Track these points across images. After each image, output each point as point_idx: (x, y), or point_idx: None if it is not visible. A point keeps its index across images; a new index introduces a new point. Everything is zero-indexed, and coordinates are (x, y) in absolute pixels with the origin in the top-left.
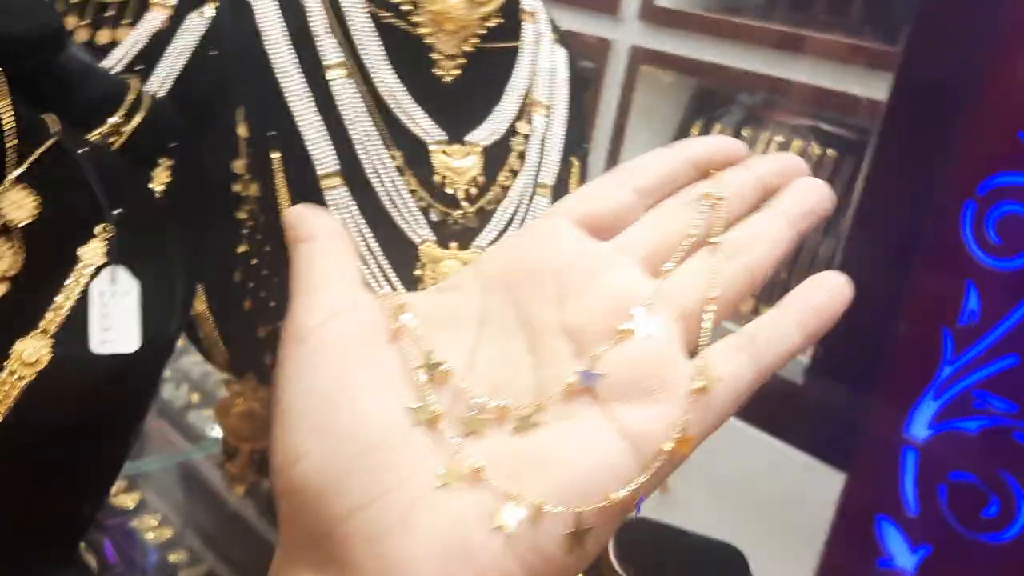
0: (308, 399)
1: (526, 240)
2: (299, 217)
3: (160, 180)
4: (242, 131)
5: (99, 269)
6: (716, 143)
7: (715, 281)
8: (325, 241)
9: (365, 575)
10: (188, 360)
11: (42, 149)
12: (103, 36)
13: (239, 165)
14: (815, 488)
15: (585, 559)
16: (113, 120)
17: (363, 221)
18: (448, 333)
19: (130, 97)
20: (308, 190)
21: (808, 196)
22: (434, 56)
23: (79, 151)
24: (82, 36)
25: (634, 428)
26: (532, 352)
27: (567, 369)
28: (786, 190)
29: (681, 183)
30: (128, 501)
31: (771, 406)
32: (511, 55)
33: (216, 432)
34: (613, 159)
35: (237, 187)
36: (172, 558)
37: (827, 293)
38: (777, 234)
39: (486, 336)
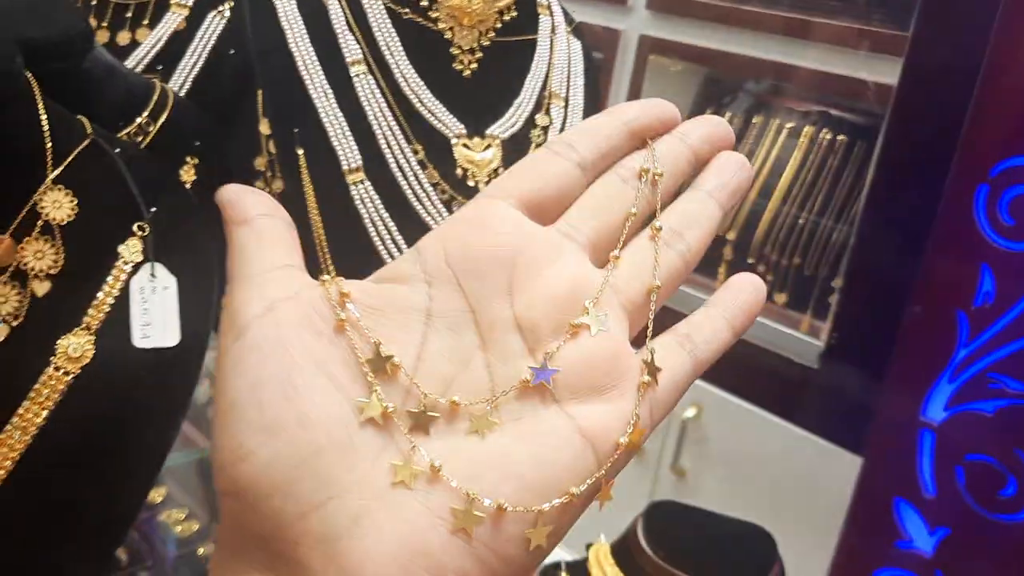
0: (251, 395)
1: (468, 227)
2: (233, 198)
3: (186, 178)
4: (263, 128)
5: (138, 266)
6: (649, 107)
7: (658, 272)
8: (262, 224)
9: None
10: (209, 356)
11: (78, 150)
12: (123, 37)
13: (260, 162)
14: (830, 472)
15: (542, 556)
16: (139, 120)
17: (387, 215)
18: (394, 325)
19: (155, 97)
20: (332, 185)
21: (734, 174)
22: (452, 51)
23: (114, 150)
24: (102, 38)
25: (590, 426)
26: (483, 348)
27: (520, 365)
28: (713, 168)
29: (619, 153)
30: (155, 495)
31: (786, 391)
32: (528, 48)
33: None
34: None
35: (259, 184)
36: (201, 551)
37: (750, 293)
38: (710, 220)
39: (434, 329)
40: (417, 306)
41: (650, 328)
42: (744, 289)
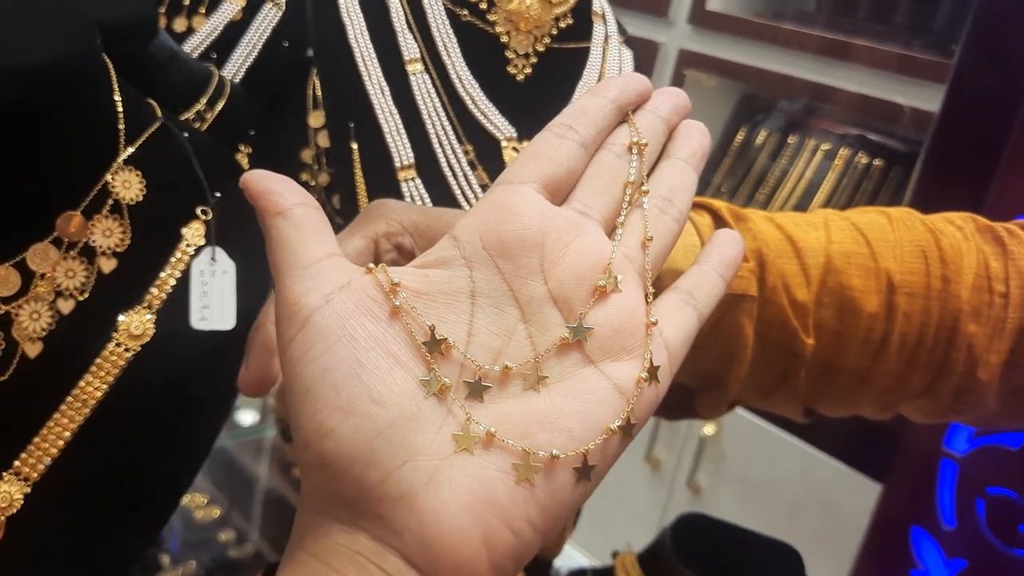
0: (325, 380)
1: (498, 213)
2: (264, 188)
3: (240, 166)
4: (312, 121)
5: (199, 249)
6: (628, 83)
7: (658, 234)
8: (299, 214)
9: (401, 528)
10: None
11: (150, 132)
12: (179, 24)
13: (307, 154)
14: (848, 496)
15: (587, 494)
16: (198, 106)
17: None
18: (443, 307)
19: (213, 84)
20: (383, 180)
21: (699, 140)
22: (508, 54)
23: (184, 135)
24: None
25: (623, 381)
26: (524, 320)
27: (558, 333)
28: (681, 137)
29: (610, 127)
30: None
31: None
32: (581, 55)
33: (246, 420)
34: None
35: (305, 175)
36: (222, 537)
37: (734, 247)
38: (691, 183)
39: (479, 307)
40: (462, 288)
41: (648, 286)
42: (727, 243)
